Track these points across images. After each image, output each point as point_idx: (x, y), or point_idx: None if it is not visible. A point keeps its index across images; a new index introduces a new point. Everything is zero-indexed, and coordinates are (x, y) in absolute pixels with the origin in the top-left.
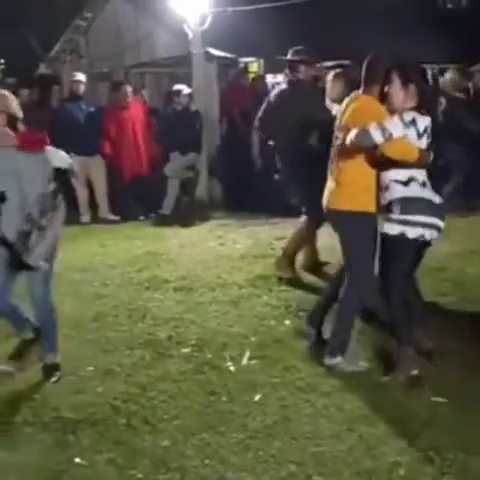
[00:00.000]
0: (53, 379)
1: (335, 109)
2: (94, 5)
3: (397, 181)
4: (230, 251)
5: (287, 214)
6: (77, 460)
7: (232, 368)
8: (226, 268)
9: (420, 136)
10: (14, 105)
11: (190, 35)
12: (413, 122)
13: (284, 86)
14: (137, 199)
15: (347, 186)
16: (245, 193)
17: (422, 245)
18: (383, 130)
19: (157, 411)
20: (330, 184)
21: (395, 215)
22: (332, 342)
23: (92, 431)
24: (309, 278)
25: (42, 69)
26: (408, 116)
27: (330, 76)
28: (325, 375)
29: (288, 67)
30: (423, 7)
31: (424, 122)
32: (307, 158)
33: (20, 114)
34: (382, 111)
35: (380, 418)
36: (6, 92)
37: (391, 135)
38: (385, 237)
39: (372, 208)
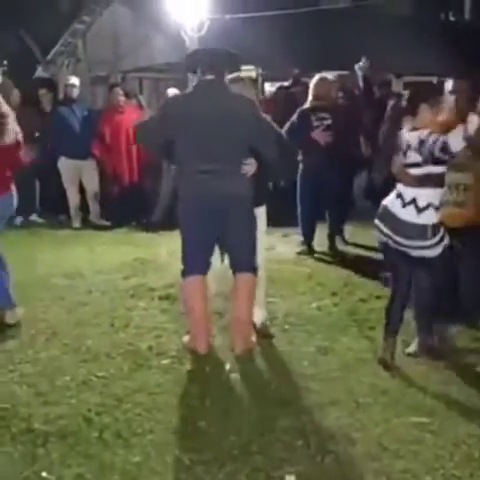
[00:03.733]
0: None
1: None
2: (93, 9)
3: None
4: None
5: (278, 223)
6: (44, 474)
7: (211, 382)
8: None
9: None
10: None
11: (187, 41)
12: None
13: None
14: (129, 204)
15: None
16: None
17: None
18: None
19: (131, 424)
20: None
21: None
22: None
23: (62, 444)
24: (298, 292)
25: (39, 72)
26: None
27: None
28: (304, 389)
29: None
30: (426, 19)
31: None
32: None
33: None
34: None
35: (359, 438)
36: None
37: None
38: None
39: None
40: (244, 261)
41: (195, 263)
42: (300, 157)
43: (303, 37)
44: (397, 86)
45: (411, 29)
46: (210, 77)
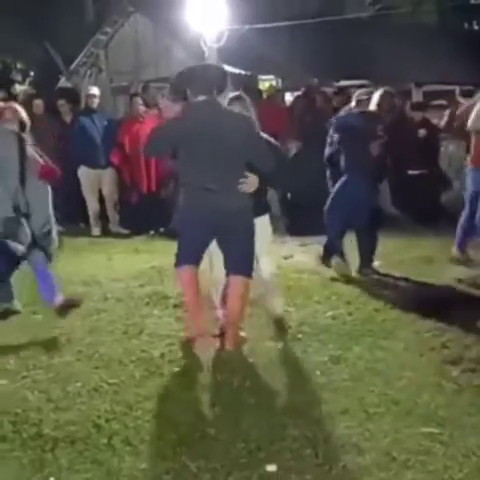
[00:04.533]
0: None
1: None
2: (115, 21)
3: None
4: None
5: (296, 233)
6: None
7: (222, 389)
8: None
9: None
10: (24, 115)
11: (206, 52)
12: None
13: None
14: (147, 213)
15: None
16: None
17: None
18: None
19: (140, 431)
20: None
21: None
22: None
23: (71, 450)
24: (313, 300)
25: (62, 82)
26: None
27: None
28: (314, 398)
29: None
30: (450, 29)
31: None
32: None
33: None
34: None
35: (368, 447)
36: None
37: None
38: None
39: None
40: (240, 264)
41: (187, 255)
42: (344, 163)
43: (324, 47)
44: (417, 95)
45: (435, 38)
46: (203, 97)
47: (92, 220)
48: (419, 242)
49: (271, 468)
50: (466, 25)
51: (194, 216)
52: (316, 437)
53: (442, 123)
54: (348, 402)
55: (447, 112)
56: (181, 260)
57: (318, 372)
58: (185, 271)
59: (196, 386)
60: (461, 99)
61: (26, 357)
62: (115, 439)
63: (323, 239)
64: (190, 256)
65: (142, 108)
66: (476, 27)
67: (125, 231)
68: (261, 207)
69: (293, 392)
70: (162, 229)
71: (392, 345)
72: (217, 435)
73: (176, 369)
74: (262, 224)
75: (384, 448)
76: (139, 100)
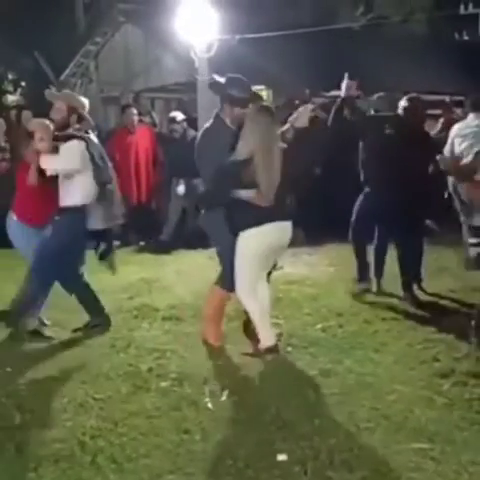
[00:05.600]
0: None
1: None
2: (105, 32)
3: None
4: None
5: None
6: None
7: (210, 405)
8: None
9: None
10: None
11: (196, 62)
12: None
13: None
14: (137, 224)
15: None
16: None
17: None
18: None
19: (126, 448)
20: None
21: None
22: None
23: (55, 468)
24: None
25: None
26: None
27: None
28: (305, 415)
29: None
30: (440, 38)
31: None
32: None
33: None
34: None
35: (358, 464)
36: None
37: None
38: None
39: None
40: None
41: None
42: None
43: (315, 57)
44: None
45: (426, 48)
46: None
47: None
48: None
49: (282, 457)
50: (456, 35)
51: None
52: (305, 453)
53: (434, 132)
54: (338, 417)
55: (441, 120)
56: None
57: (307, 386)
58: None
59: (183, 401)
60: (455, 108)
61: (11, 372)
62: (100, 457)
63: (314, 250)
64: None
65: (136, 118)
66: (466, 37)
67: (115, 242)
68: (242, 222)
69: (282, 406)
70: (152, 240)
71: (383, 358)
72: (204, 452)
73: (163, 384)
74: (240, 240)
75: (374, 464)
76: (134, 111)
